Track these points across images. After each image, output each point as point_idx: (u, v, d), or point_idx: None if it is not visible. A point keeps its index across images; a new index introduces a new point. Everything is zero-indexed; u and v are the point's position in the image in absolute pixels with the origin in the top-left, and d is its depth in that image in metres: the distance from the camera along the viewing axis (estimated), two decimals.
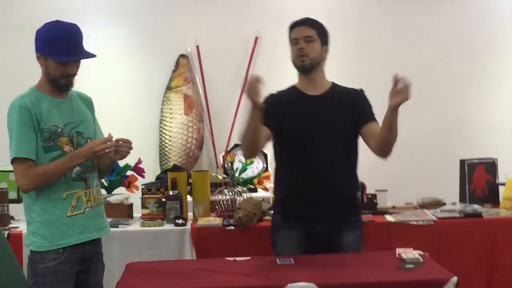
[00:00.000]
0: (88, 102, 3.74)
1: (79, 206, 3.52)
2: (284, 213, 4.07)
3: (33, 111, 3.40)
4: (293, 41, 4.01)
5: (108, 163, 3.77)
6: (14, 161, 3.41)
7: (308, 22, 4.02)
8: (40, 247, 3.45)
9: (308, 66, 3.96)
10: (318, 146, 3.89)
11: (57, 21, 3.52)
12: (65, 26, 3.49)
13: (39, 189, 3.44)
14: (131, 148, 3.62)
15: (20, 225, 4.73)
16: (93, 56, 3.50)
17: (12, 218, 4.92)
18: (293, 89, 4.09)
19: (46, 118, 3.44)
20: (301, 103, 4.01)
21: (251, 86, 3.67)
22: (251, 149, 3.96)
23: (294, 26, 4.04)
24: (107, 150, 3.42)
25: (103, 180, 5.11)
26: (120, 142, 3.56)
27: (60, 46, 3.43)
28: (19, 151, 3.38)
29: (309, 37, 3.96)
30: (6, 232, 4.50)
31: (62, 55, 3.44)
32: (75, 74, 3.51)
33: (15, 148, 3.39)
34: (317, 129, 3.89)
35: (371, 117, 3.95)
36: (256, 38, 6.54)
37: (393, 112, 3.64)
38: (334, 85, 4.06)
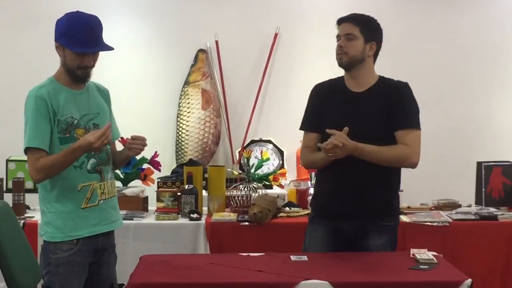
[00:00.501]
0: (105, 94, 3.73)
1: (93, 198, 3.52)
2: (316, 208, 4.06)
3: (49, 102, 3.40)
4: (337, 38, 3.94)
5: (123, 157, 3.77)
6: (26, 150, 3.42)
7: (351, 19, 3.93)
8: (54, 237, 3.46)
9: (345, 64, 3.90)
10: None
11: (77, 12, 3.51)
12: (85, 17, 3.48)
13: (51, 179, 3.44)
14: (145, 145, 3.65)
15: (36, 215, 4.76)
16: (111, 49, 3.49)
17: (28, 207, 4.95)
18: (339, 82, 3.99)
19: (62, 109, 3.44)
20: (342, 99, 3.93)
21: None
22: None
23: (339, 22, 3.96)
24: (105, 141, 3.39)
25: (119, 172, 5.13)
26: (134, 139, 3.59)
27: (79, 37, 3.42)
28: (32, 141, 3.39)
29: (349, 35, 3.87)
30: (22, 222, 4.53)
31: (79, 46, 3.43)
32: (93, 66, 3.49)
33: (28, 138, 3.39)
34: (352, 127, 3.74)
35: (403, 123, 3.82)
36: (276, 35, 6.53)
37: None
38: (379, 81, 3.94)
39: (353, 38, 3.87)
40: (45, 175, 3.41)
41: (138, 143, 3.61)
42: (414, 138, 3.82)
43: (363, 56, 3.89)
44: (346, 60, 3.88)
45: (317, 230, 3.98)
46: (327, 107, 3.94)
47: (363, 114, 3.82)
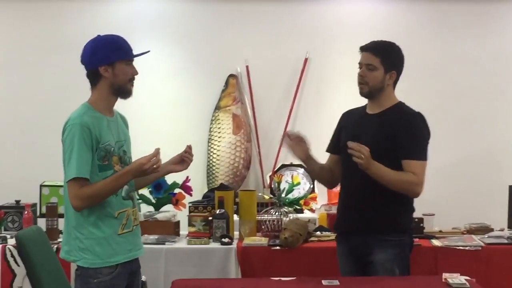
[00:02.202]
0: (126, 122, 3.79)
1: (128, 224, 3.56)
2: (335, 227, 4.26)
3: (93, 131, 3.44)
4: (359, 65, 4.06)
5: (152, 178, 3.84)
6: (71, 179, 3.42)
7: (372, 49, 4.02)
8: (93, 263, 3.46)
9: (366, 93, 4.03)
10: (357, 165, 3.83)
11: (98, 35, 3.63)
12: (113, 34, 3.64)
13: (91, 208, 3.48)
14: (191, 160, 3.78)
15: None
16: (147, 51, 3.67)
17: (61, 232, 4.98)
18: (363, 107, 4.16)
19: (103, 137, 3.48)
20: (359, 121, 4.08)
21: (293, 147, 4.08)
22: (327, 183, 4.37)
23: (361, 50, 4.08)
24: (155, 166, 3.44)
25: (150, 197, 5.17)
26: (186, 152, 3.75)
27: (126, 46, 3.57)
28: (80, 171, 3.39)
29: (370, 65, 3.98)
30: (55, 247, 4.56)
31: (131, 52, 3.57)
32: (137, 74, 3.59)
33: (76, 167, 3.39)
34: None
35: (411, 154, 3.90)
36: (306, 59, 6.56)
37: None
38: (397, 105, 4.04)
39: (373, 69, 3.98)
40: (90, 203, 3.43)
41: (190, 157, 3.75)
42: (421, 169, 3.91)
43: (383, 85, 4.00)
44: (367, 91, 4.02)
45: (338, 250, 4.17)
46: (344, 129, 4.13)
47: (370, 134, 3.93)
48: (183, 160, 3.76)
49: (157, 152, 3.46)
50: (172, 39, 6.61)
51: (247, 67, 6.55)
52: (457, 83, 6.63)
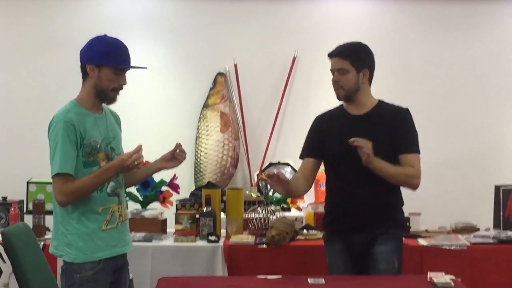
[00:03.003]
0: (117, 118, 3.81)
1: (113, 221, 3.58)
2: (326, 227, 4.25)
3: (77, 127, 3.46)
4: (331, 72, 4.11)
5: (144, 176, 3.87)
6: (55, 175, 3.46)
7: (340, 54, 4.08)
8: (76, 258, 3.50)
9: (344, 97, 4.09)
10: (353, 165, 3.92)
11: (105, 35, 3.64)
12: (117, 40, 3.63)
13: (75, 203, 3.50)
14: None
15: None
16: (144, 67, 3.71)
17: (48, 229, 4.98)
18: (339, 108, 4.20)
19: (88, 134, 3.50)
20: (343, 122, 4.11)
21: (274, 186, 4.03)
22: (302, 192, 4.35)
23: (329, 56, 4.13)
24: (136, 162, 3.47)
25: (137, 195, 5.17)
26: (178, 150, 3.76)
27: (121, 56, 3.57)
28: (63, 167, 3.43)
29: (341, 69, 4.04)
30: (42, 243, 4.56)
31: (124, 62, 3.57)
32: (124, 85, 3.60)
33: (59, 163, 3.43)
34: (349, 150, 3.89)
35: (408, 148, 4.01)
36: (294, 58, 6.57)
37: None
38: (379, 104, 4.12)
39: (345, 72, 4.04)
40: (74, 198, 3.47)
41: (183, 155, 3.77)
42: (418, 162, 4.03)
43: (358, 86, 4.06)
44: (344, 94, 4.07)
45: (331, 248, 4.16)
46: (328, 132, 4.14)
47: (362, 135, 3.93)
48: (175, 157, 3.77)
49: (139, 148, 3.49)
50: (161, 36, 6.61)
51: (235, 65, 6.56)
52: (446, 83, 6.65)
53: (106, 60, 3.53)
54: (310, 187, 4.27)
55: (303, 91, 6.63)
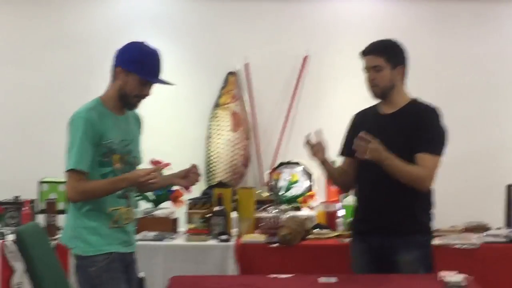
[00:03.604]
0: (139, 121, 3.83)
1: (119, 222, 3.62)
2: (351, 227, 4.27)
3: (97, 127, 3.49)
4: (364, 70, 4.07)
5: (154, 187, 3.92)
6: (69, 171, 3.49)
7: (374, 51, 4.04)
8: (85, 251, 3.54)
9: (379, 95, 4.04)
10: (377, 165, 3.85)
11: (144, 43, 3.65)
12: (154, 50, 3.64)
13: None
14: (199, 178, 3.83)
15: None
16: (173, 84, 3.67)
17: (60, 228, 5.00)
18: (374, 107, 4.16)
19: (107, 134, 3.53)
20: (373, 121, 4.07)
21: (314, 149, 4.07)
22: (343, 187, 4.44)
23: (363, 54, 4.08)
24: (151, 181, 3.49)
25: (150, 194, 5.18)
26: (193, 172, 3.76)
27: (151, 67, 3.58)
28: (79, 164, 3.46)
29: (376, 67, 3.99)
30: (54, 243, 4.57)
31: (151, 75, 3.57)
32: (148, 96, 3.62)
33: (75, 159, 3.46)
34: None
35: (424, 147, 3.91)
36: (305, 57, 6.57)
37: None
38: (411, 102, 4.06)
39: (380, 70, 3.99)
40: (85, 198, 3.51)
41: (197, 177, 3.79)
42: (433, 163, 3.92)
43: (393, 83, 4.01)
44: (379, 92, 4.02)
45: (355, 249, 4.14)
46: (359, 131, 4.02)
47: (388, 134, 3.90)
48: (189, 176, 3.78)
49: (156, 168, 3.55)
50: (172, 36, 6.61)
51: (246, 64, 6.56)
52: (456, 82, 6.62)
53: (134, 68, 3.54)
54: (351, 184, 4.24)
55: (314, 90, 6.62)
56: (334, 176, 4.22)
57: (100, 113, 3.54)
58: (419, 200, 3.97)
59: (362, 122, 4.14)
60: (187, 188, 3.89)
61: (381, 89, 4.00)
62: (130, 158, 3.66)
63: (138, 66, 3.54)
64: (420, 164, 3.88)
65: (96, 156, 3.50)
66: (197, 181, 3.82)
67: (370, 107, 4.18)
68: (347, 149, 4.15)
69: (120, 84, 3.56)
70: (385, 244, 3.94)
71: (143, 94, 3.60)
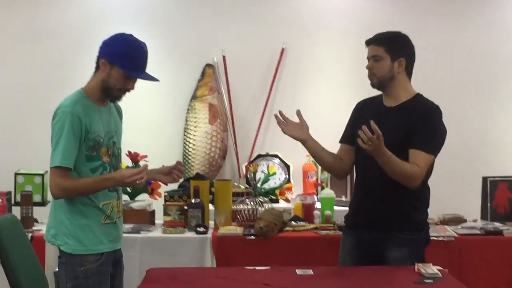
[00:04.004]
0: (120, 111, 3.79)
1: (112, 216, 3.59)
2: (345, 220, 4.21)
3: (84, 120, 3.43)
4: (367, 60, 4.02)
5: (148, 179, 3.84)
6: (55, 167, 3.43)
7: (375, 40, 4.00)
8: (75, 250, 3.48)
9: (376, 85, 3.99)
10: (374, 159, 3.78)
11: (131, 35, 3.57)
12: (141, 43, 3.56)
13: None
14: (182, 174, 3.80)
15: (44, 228, 4.77)
16: (157, 80, 3.60)
17: (36, 220, 4.98)
18: (379, 98, 4.09)
19: (93, 128, 3.48)
20: (374, 113, 3.98)
21: (281, 125, 3.97)
22: (336, 174, 4.29)
23: (366, 44, 4.03)
24: (137, 182, 3.46)
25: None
26: (177, 169, 3.73)
27: (136, 62, 3.51)
28: (65, 161, 3.40)
29: (376, 56, 3.95)
30: (30, 235, 4.55)
31: (135, 70, 3.51)
32: (132, 90, 3.58)
33: (61, 156, 3.40)
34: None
35: (419, 144, 3.82)
36: (282, 50, 6.57)
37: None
38: (414, 98, 4.00)
39: (379, 59, 3.94)
40: (68, 195, 3.46)
41: (180, 175, 3.76)
42: (425, 161, 3.84)
43: (392, 74, 3.95)
44: (376, 82, 3.97)
45: (344, 241, 4.11)
46: (360, 120, 4.00)
47: (388, 127, 3.83)
48: (171, 173, 3.75)
49: (143, 169, 3.49)
50: (149, 28, 6.58)
51: (224, 57, 6.55)
52: (435, 75, 6.64)
53: (119, 62, 3.48)
54: (348, 170, 4.17)
55: (291, 82, 6.63)
56: (322, 159, 4.11)
57: (85, 106, 3.48)
58: (413, 197, 3.91)
59: (364, 111, 4.07)
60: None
61: (378, 79, 3.94)
62: (116, 150, 3.63)
63: (122, 60, 3.47)
64: (412, 160, 3.80)
65: (83, 150, 3.45)
66: (180, 178, 3.80)
67: (375, 97, 4.11)
68: (346, 136, 4.12)
69: (104, 76, 3.50)
70: (376, 240, 3.90)
71: (127, 88, 3.55)
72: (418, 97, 4.03)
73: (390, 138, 3.77)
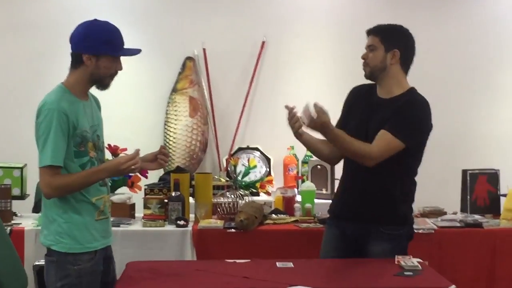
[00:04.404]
0: (99, 104, 3.73)
1: (105, 211, 3.53)
2: (329, 210, 4.18)
3: (70, 117, 3.36)
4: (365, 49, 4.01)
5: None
6: (45, 166, 3.33)
7: (372, 31, 4.00)
8: (71, 248, 3.40)
9: (368, 75, 3.97)
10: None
11: (96, 19, 3.53)
12: (108, 23, 3.53)
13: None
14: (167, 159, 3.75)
15: (23, 222, 4.76)
16: (139, 50, 3.58)
17: (15, 214, 4.95)
18: (373, 86, 4.04)
19: (80, 123, 3.41)
20: (366, 103, 3.99)
21: (291, 119, 3.84)
22: (326, 159, 4.25)
23: (366, 34, 4.03)
24: (132, 167, 3.41)
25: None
26: (162, 153, 3.67)
27: (118, 42, 3.49)
28: (55, 159, 3.32)
29: (370, 46, 3.95)
30: (9, 228, 4.52)
31: (121, 49, 3.50)
32: (120, 70, 3.54)
33: (51, 155, 3.31)
34: (364, 132, 3.86)
35: (388, 126, 3.79)
36: (263, 43, 6.56)
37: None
38: (407, 92, 3.96)
39: (373, 49, 3.94)
40: (61, 193, 3.37)
41: (166, 159, 3.70)
42: (386, 142, 3.79)
43: (384, 65, 3.93)
44: (368, 71, 3.96)
45: (327, 232, 4.11)
46: (353, 108, 4.03)
47: (378, 121, 3.85)
48: (157, 159, 3.68)
49: (136, 153, 3.43)
50: (129, 20, 6.55)
51: (204, 50, 6.54)
52: (415, 67, 6.64)
53: (105, 49, 3.42)
54: (339, 158, 4.10)
55: (271, 75, 6.63)
56: (317, 150, 4.08)
57: (70, 101, 3.40)
58: (398, 190, 3.91)
59: (357, 99, 4.06)
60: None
61: (370, 69, 3.93)
62: (100, 143, 3.57)
63: (108, 47, 3.43)
64: (376, 140, 3.78)
65: (71, 147, 3.38)
66: (166, 162, 3.74)
67: (369, 85, 4.06)
68: (340, 123, 4.06)
69: (91, 69, 3.43)
70: (358, 232, 3.90)
71: (117, 71, 3.51)
72: (411, 91, 3.99)
73: (377, 130, 3.78)
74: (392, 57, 3.93)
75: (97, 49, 3.42)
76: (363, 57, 3.97)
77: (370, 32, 4.01)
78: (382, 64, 3.92)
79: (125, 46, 3.54)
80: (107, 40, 3.44)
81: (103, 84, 3.52)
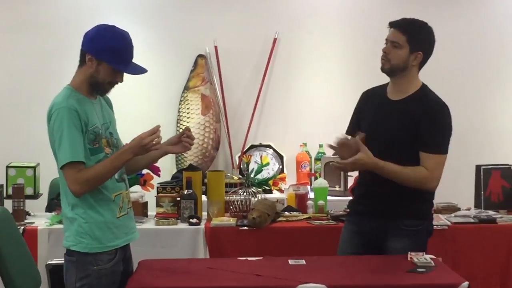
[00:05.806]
0: (110, 102, 3.68)
1: (124, 207, 3.49)
2: (348, 207, 4.19)
3: (81, 113, 3.32)
4: (385, 41, 3.93)
5: (148, 162, 3.74)
6: (66, 164, 3.29)
7: (400, 26, 3.90)
8: (92, 248, 3.36)
9: (387, 70, 3.90)
10: (378, 150, 3.77)
11: (114, 26, 3.47)
12: (125, 35, 3.46)
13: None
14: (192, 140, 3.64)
15: (36, 221, 4.77)
16: (145, 71, 3.50)
17: (28, 213, 4.96)
18: (382, 88, 4.01)
19: (90, 119, 3.37)
20: (378, 105, 3.96)
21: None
22: None
23: (390, 25, 3.94)
24: (154, 142, 3.36)
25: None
26: (186, 135, 3.58)
27: (123, 56, 3.41)
28: (75, 155, 3.27)
29: (395, 43, 3.86)
30: (22, 228, 4.54)
31: (124, 64, 3.41)
32: (121, 82, 3.47)
33: (70, 151, 3.27)
34: (380, 133, 3.85)
35: (428, 147, 3.80)
36: (275, 40, 6.55)
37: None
38: (420, 91, 3.93)
39: (398, 47, 3.86)
40: (90, 187, 3.31)
41: (191, 141, 3.60)
42: (437, 163, 3.83)
43: (406, 65, 3.88)
44: (388, 67, 3.89)
45: (345, 228, 4.10)
46: (365, 112, 4.00)
47: (391, 123, 3.83)
48: (181, 142, 3.60)
49: (157, 128, 3.38)
50: (141, 18, 6.56)
51: (215, 47, 6.53)
52: (427, 64, 6.62)
53: (107, 58, 3.36)
54: None
55: (283, 72, 6.61)
56: None
57: (78, 99, 3.36)
58: (412, 191, 3.86)
59: (367, 103, 4.03)
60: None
61: (391, 66, 3.86)
62: (114, 140, 3.52)
63: (110, 56, 3.36)
64: (425, 164, 3.79)
65: (86, 144, 3.33)
66: (191, 145, 3.63)
67: (380, 87, 4.03)
68: (352, 128, 4.05)
69: (91, 72, 3.39)
70: (378, 229, 3.89)
71: (116, 81, 3.44)
72: (424, 89, 3.96)
73: (394, 133, 3.77)
74: (415, 58, 3.89)
75: (99, 54, 3.37)
76: (385, 51, 3.89)
77: (395, 26, 3.92)
78: (404, 64, 3.87)
79: (135, 62, 3.48)
80: (111, 49, 3.38)
81: (101, 89, 3.46)
